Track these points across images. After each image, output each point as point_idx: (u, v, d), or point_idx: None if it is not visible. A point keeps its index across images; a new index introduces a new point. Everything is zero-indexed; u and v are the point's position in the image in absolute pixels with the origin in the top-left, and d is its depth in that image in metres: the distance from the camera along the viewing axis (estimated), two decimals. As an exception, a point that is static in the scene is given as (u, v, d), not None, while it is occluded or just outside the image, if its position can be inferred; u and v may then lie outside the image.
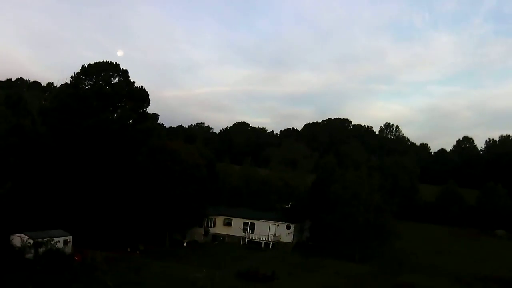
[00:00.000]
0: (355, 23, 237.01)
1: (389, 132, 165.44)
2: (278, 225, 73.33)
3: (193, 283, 47.56)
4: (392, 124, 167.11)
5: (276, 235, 72.45)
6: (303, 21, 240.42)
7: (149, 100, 67.99)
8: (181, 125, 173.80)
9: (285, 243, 71.30)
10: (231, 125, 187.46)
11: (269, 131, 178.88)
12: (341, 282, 53.61)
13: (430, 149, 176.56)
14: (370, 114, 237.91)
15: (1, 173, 53.20)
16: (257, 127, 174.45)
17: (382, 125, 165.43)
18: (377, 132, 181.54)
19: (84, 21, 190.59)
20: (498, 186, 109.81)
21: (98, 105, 62.85)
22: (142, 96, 66.95)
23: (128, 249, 61.10)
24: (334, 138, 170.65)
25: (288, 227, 73.06)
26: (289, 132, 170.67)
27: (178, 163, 62.88)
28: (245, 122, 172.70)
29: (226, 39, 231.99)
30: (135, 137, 62.43)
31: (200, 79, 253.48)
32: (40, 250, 50.49)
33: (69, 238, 55.26)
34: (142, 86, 67.09)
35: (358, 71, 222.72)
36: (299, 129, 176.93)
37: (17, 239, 51.82)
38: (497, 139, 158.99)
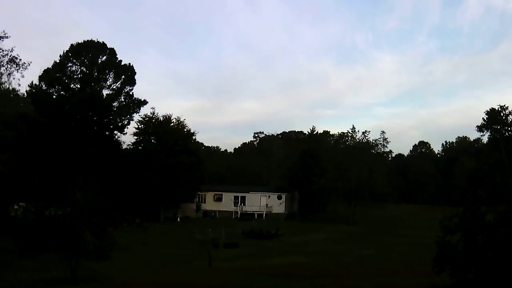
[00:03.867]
0: (297, 48, 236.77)
1: (343, 141, 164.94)
2: (269, 196, 73.85)
3: (202, 241, 47.83)
4: (347, 133, 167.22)
5: (268, 205, 72.97)
6: (245, 49, 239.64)
7: (135, 80, 68.14)
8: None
9: (277, 214, 71.66)
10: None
11: (222, 150, 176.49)
12: (340, 236, 54.54)
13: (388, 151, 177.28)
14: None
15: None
16: (210, 146, 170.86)
17: (337, 134, 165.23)
18: (332, 142, 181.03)
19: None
20: (471, 161, 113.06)
21: (86, 81, 62.21)
22: (129, 72, 66.74)
23: (125, 224, 60.37)
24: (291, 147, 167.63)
25: (279, 198, 73.65)
26: (245, 146, 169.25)
27: (170, 133, 62.76)
28: (198, 141, 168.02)
29: (168, 70, 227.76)
30: (126, 109, 62.05)
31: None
32: (42, 218, 49.56)
33: (67, 210, 54.37)
34: (130, 64, 66.96)
35: (302, 96, 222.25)
36: (255, 143, 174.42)
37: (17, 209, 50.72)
38: (454, 141, 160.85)
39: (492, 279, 10.41)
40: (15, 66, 41.70)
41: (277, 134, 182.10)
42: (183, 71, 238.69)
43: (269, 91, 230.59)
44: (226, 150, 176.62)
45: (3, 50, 40.96)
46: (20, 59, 42.03)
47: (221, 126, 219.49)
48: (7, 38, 40.29)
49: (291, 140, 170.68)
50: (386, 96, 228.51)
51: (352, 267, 29.36)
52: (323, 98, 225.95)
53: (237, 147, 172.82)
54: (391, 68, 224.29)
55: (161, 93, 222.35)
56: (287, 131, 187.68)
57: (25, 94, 63.31)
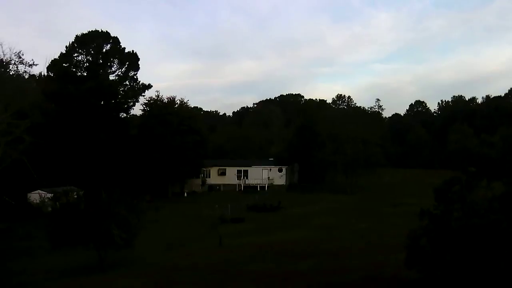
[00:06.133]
0: (291, 7, 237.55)
1: (341, 103, 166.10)
2: (270, 169, 77.49)
3: (208, 216, 51.70)
4: (344, 95, 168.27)
5: (270, 178, 76.64)
6: (239, 10, 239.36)
7: (139, 65, 71.01)
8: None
9: (279, 186, 75.51)
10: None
11: (221, 113, 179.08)
12: (338, 206, 58.07)
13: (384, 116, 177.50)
14: (314, 96, 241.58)
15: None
16: (209, 110, 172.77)
17: (334, 97, 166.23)
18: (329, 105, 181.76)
19: (21, 27, 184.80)
20: (464, 126, 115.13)
21: (93, 70, 64.90)
22: (133, 60, 69.37)
23: (135, 201, 63.87)
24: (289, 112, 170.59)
25: (280, 170, 77.33)
26: (244, 110, 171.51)
27: (174, 114, 65.68)
28: (197, 106, 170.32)
29: (163, 35, 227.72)
30: (131, 93, 64.90)
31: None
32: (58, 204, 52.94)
33: (81, 193, 57.87)
34: (133, 51, 69.51)
35: (298, 55, 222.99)
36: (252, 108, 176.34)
37: (35, 196, 54.08)
38: (450, 100, 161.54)
39: (451, 274, 13.79)
40: None
41: (275, 98, 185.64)
42: (178, 35, 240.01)
43: (265, 52, 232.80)
44: (225, 114, 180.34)
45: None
46: None
47: (219, 87, 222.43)
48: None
49: (289, 104, 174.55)
50: (382, 52, 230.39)
51: (349, 243, 32.72)
52: (319, 56, 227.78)
53: (235, 110, 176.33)
54: (386, 25, 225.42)
55: (157, 57, 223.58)
56: (285, 94, 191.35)
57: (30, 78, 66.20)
